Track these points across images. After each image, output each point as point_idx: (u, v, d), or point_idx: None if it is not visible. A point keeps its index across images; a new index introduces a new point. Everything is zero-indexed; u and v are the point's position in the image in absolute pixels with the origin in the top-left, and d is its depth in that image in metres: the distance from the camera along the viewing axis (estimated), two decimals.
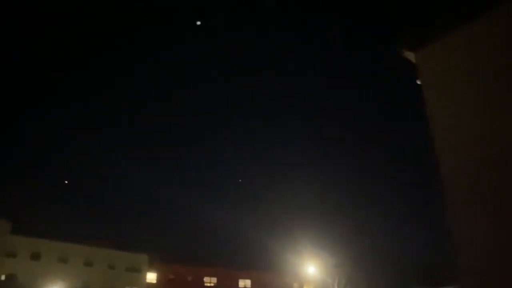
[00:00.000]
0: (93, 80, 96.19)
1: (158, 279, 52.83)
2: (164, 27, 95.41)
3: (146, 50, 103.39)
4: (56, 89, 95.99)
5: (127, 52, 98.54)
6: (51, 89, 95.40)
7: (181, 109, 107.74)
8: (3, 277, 40.11)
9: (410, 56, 9.62)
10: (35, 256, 43.97)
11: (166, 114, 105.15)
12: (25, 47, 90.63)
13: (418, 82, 9.36)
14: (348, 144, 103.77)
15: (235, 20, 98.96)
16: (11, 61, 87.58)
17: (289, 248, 47.87)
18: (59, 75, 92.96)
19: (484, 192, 7.52)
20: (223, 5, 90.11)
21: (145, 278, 51.44)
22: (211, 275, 56.10)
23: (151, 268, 52.34)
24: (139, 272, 50.86)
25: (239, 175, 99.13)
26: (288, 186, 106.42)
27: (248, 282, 58.10)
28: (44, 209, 79.60)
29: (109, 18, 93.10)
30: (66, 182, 74.25)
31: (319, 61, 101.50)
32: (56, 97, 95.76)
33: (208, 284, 55.76)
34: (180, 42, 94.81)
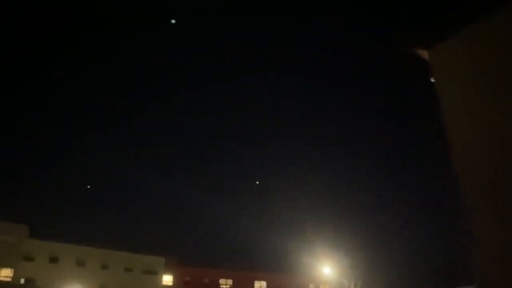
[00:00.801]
0: (92, 80, 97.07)
1: (174, 281, 53.08)
2: (164, 27, 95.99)
3: (148, 50, 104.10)
4: (56, 89, 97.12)
5: (129, 52, 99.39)
6: (52, 89, 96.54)
7: (192, 110, 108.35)
8: (22, 281, 40.65)
9: (424, 54, 9.49)
10: (53, 260, 44.49)
11: (177, 115, 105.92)
12: (25, 47, 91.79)
13: (432, 80, 9.24)
14: (361, 147, 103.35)
15: (235, 20, 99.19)
16: (11, 61, 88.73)
17: (305, 249, 47.72)
18: (59, 75, 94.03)
19: (498, 191, 7.40)
20: (224, 5, 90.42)
21: (161, 281, 51.72)
22: (226, 277, 56.15)
23: (167, 270, 52.61)
24: (155, 274, 51.15)
25: (256, 177, 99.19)
26: (304, 188, 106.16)
27: (263, 284, 58.02)
28: (61, 213, 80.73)
29: (109, 18, 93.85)
30: (89, 187, 75.01)
31: (320, 61, 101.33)
32: (59, 97, 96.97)
33: (224, 286, 55.82)
34: (180, 42, 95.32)
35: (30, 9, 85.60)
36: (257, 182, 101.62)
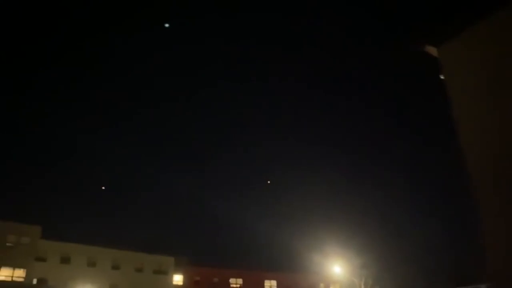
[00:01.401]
0: (93, 80, 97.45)
1: (184, 281, 53.25)
2: (164, 27, 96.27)
3: (162, 49, 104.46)
4: (57, 90, 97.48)
5: (134, 51, 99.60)
6: (53, 89, 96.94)
7: (203, 110, 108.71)
8: (34, 281, 41.07)
9: (433, 51, 9.45)
10: (65, 260, 44.89)
11: (188, 115, 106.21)
12: (25, 47, 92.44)
13: (441, 77, 9.21)
14: (371, 146, 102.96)
15: (236, 20, 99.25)
16: (11, 61, 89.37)
17: (315, 248, 47.63)
18: (59, 75, 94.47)
19: (508, 187, 7.33)
20: (224, 7, 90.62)
21: (171, 280, 51.93)
22: (236, 277, 56.21)
23: (177, 270, 52.80)
24: (165, 274, 51.39)
25: (265, 177, 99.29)
26: (314, 187, 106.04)
27: (273, 283, 58.00)
28: (73, 213, 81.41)
29: (110, 18, 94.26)
30: (103, 188, 75.55)
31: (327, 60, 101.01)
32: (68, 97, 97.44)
33: (234, 286, 55.89)
34: (181, 42, 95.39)
35: (30, 9, 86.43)
36: (268, 182, 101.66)
